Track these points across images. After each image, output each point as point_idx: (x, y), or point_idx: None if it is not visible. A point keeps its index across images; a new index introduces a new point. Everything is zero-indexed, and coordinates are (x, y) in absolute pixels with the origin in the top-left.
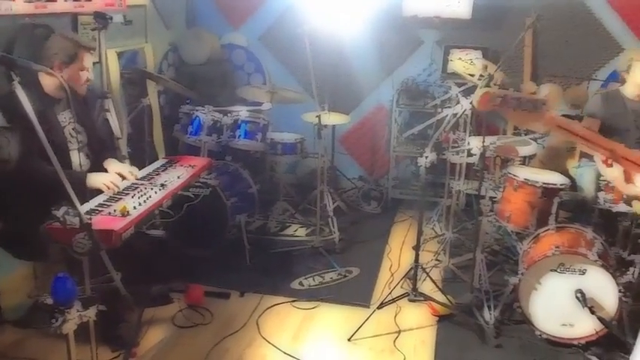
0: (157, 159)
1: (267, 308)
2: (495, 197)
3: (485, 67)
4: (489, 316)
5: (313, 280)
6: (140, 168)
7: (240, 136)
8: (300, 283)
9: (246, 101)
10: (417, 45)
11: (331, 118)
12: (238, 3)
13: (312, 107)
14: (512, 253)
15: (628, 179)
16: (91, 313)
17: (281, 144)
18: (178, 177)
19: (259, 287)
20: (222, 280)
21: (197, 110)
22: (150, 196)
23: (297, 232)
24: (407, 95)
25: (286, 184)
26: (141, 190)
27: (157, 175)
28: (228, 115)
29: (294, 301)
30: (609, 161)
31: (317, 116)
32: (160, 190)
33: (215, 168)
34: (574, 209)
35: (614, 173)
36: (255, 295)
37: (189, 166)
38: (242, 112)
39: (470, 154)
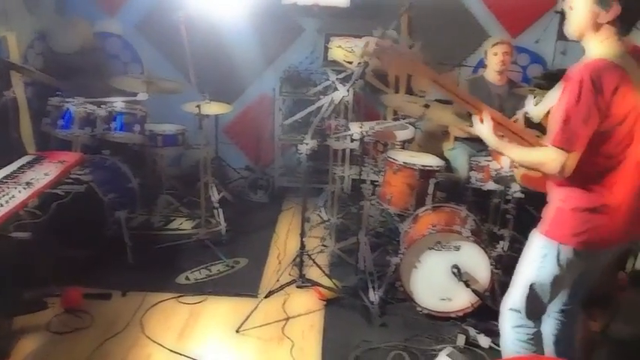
0: (25, 156)
1: (152, 306)
2: (377, 181)
3: (367, 44)
4: (374, 296)
5: (200, 273)
6: (5, 166)
7: (116, 128)
8: (187, 278)
9: (125, 92)
10: (298, 33)
11: (212, 108)
12: None
13: (192, 97)
14: (395, 235)
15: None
16: None
17: (161, 136)
18: (46, 174)
19: (142, 285)
20: (103, 280)
21: (67, 102)
22: (13, 196)
23: (183, 225)
24: (289, 83)
25: (170, 176)
26: (3, 190)
27: (22, 173)
28: (102, 106)
29: (179, 296)
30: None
31: (197, 106)
32: (24, 189)
33: (90, 163)
34: (449, 189)
35: (485, 129)
36: (139, 293)
37: (59, 162)
38: (117, 103)
39: (352, 140)
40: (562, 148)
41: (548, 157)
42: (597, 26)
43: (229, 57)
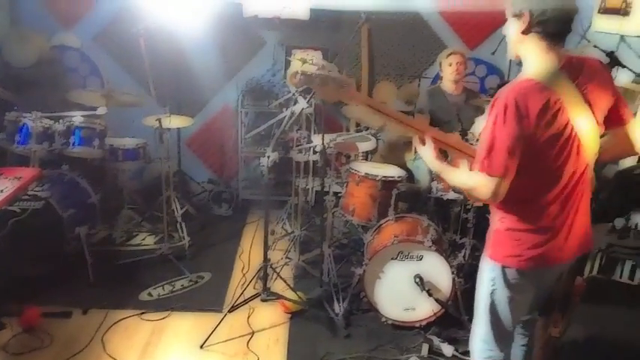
0: None
1: (114, 324)
2: (341, 193)
3: (323, 67)
4: (339, 308)
5: (163, 289)
6: None
7: (74, 143)
8: (149, 294)
9: (83, 106)
10: (260, 45)
11: (173, 121)
12: (69, 1)
13: (153, 110)
14: (360, 245)
15: (437, 156)
16: None
17: (122, 150)
18: (1, 191)
19: (104, 302)
20: (63, 298)
21: (24, 117)
22: None
23: (145, 240)
24: (252, 96)
25: (132, 191)
26: None
27: None
28: (60, 121)
29: (142, 313)
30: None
31: (157, 120)
32: None
33: (48, 179)
34: (412, 199)
35: (426, 151)
36: (100, 311)
37: (16, 178)
38: (76, 117)
39: (315, 152)
40: (490, 175)
41: (478, 182)
42: (521, 40)
43: (191, 70)
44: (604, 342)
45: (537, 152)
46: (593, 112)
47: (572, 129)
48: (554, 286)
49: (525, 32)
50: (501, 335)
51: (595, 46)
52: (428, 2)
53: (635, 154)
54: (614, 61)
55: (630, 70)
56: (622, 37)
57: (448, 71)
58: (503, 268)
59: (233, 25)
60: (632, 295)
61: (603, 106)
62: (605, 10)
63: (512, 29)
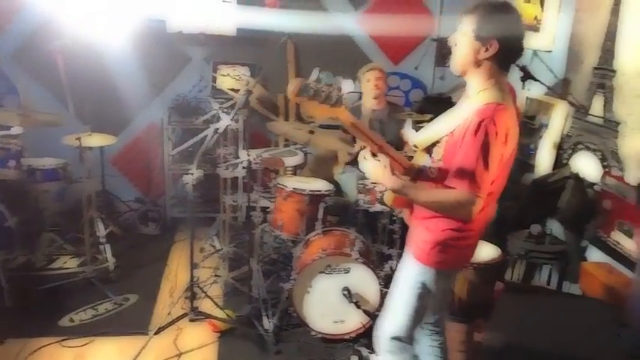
0: None
1: (32, 353)
2: (269, 208)
3: (248, 83)
4: (268, 324)
5: (85, 313)
6: None
7: None
8: (71, 319)
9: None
10: (186, 61)
11: (95, 140)
12: None
13: (74, 129)
14: (290, 260)
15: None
16: None
17: (40, 170)
18: None
19: (22, 330)
20: None
21: None
22: None
23: (67, 263)
24: (178, 112)
25: (53, 213)
26: None
27: None
28: None
29: (63, 340)
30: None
31: (77, 138)
32: None
33: None
34: (340, 213)
35: (373, 164)
36: (18, 340)
37: None
38: None
39: (243, 168)
40: (476, 195)
41: (464, 199)
42: (478, 63)
43: (114, 87)
44: (524, 346)
45: (501, 170)
46: None
47: (515, 147)
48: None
49: (489, 59)
50: (412, 333)
51: None
52: (353, 23)
53: None
54: (527, 74)
55: (542, 83)
56: (534, 52)
57: (367, 87)
58: (427, 268)
59: (157, 41)
60: (550, 299)
61: None
62: None
63: (470, 50)
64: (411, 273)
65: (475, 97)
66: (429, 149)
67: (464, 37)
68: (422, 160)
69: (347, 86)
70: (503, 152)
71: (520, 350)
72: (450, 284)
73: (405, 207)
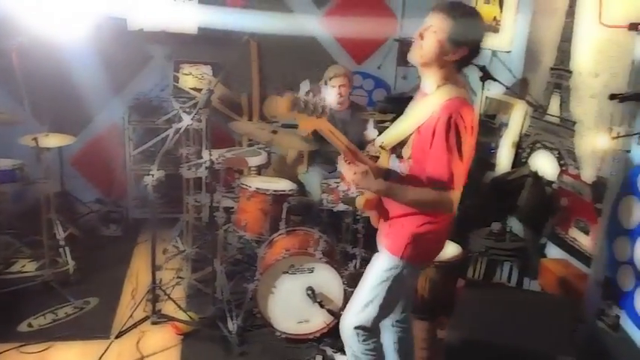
0: None
1: None
2: (233, 208)
3: (210, 82)
4: (232, 325)
5: (44, 318)
6: None
7: None
8: (29, 325)
9: None
10: (147, 60)
11: (52, 140)
12: None
13: (32, 129)
14: (254, 261)
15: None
16: None
17: None
18: None
19: None
20: None
21: None
22: None
23: (25, 267)
24: (139, 112)
25: (10, 215)
26: None
27: None
28: None
29: (22, 345)
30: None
31: (34, 139)
32: None
33: None
34: (303, 212)
35: (353, 171)
36: None
37: None
38: None
39: (206, 168)
40: (453, 189)
41: (441, 197)
42: (443, 63)
43: (73, 86)
44: (484, 342)
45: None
46: None
47: None
48: None
49: (456, 62)
50: (381, 319)
51: None
52: (317, 23)
53: None
54: (486, 74)
55: (501, 83)
56: (494, 52)
57: (332, 92)
58: (402, 261)
59: (117, 39)
60: (509, 296)
61: None
62: None
63: (439, 50)
64: (384, 266)
65: (435, 92)
66: (394, 149)
67: (434, 35)
68: (387, 161)
69: (304, 86)
70: (472, 145)
71: (480, 346)
72: (416, 279)
73: (375, 209)
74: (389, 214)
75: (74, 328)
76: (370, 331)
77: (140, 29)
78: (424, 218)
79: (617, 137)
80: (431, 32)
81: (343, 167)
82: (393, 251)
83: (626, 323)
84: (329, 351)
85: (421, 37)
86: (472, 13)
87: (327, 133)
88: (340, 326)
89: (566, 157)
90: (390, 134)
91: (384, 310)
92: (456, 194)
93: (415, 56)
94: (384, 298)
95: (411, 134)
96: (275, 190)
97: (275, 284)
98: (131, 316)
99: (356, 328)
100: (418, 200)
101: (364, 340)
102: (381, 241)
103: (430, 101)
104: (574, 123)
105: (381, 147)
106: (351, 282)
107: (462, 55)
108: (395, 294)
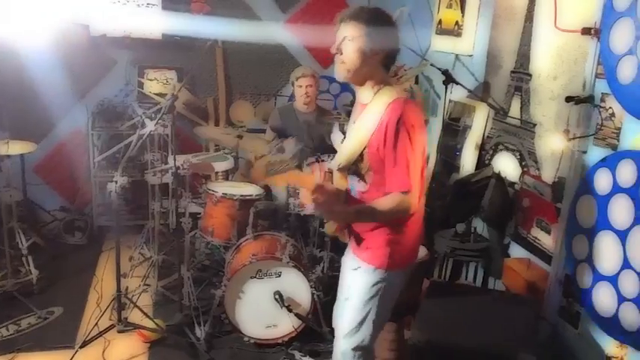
0: None
1: None
2: (200, 214)
3: (174, 87)
4: (200, 332)
5: (7, 329)
6: None
7: None
8: None
9: None
10: (110, 65)
11: (13, 148)
12: None
13: None
14: (222, 266)
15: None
16: None
17: None
18: None
19: None
20: None
21: None
22: None
23: None
24: (104, 117)
25: None
26: None
27: None
28: None
29: None
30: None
31: None
32: None
33: None
34: (271, 217)
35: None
36: None
37: None
38: None
39: (172, 174)
40: (410, 192)
41: (400, 202)
42: (370, 69)
43: (35, 92)
44: (448, 342)
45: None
46: None
47: None
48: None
49: (382, 63)
50: (378, 334)
51: (432, 65)
52: (282, 28)
53: None
54: (448, 78)
55: (463, 86)
56: (457, 56)
57: (298, 93)
58: (385, 271)
59: (80, 45)
60: (474, 296)
61: None
62: (441, 31)
63: (361, 57)
64: (369, 281)
65: (375, 100)
66: (349, 169)
67: (351, 44)
68: (342, 182)
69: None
70: (423, 141)
71: (444, 346)
72: (402, 284)
73: (345, 228)
74: (361, 228)
75: (38, 338)
76: (368, 350)
77: (103, 34)
78: (401, 227)
79: (574, 138)
80: (347, 43)
81: (310, 202)
82: (375, 264)
83: (586, 319)
84: (297, 354)
85: (339, 51)
86: (377, 12)
87: (297, 182)
88: (334, 353)
89: (527, 158)
90: (343, 154)
91: (378, 325)
92: (414, 195)
93: (342, 73)
94: (377, 313)
95: (364, 149)
96: (242, 195)
97: (243, 289)
98: (96, 324)
99: (353, 349)
100: (384, 215)
101: (364, 358)
102: (358, 255)
103: (373, 109)
104: (534, 125)
105: (339, 170)
106: (319, 286)
107: (384, 55)
108: (387, 306)
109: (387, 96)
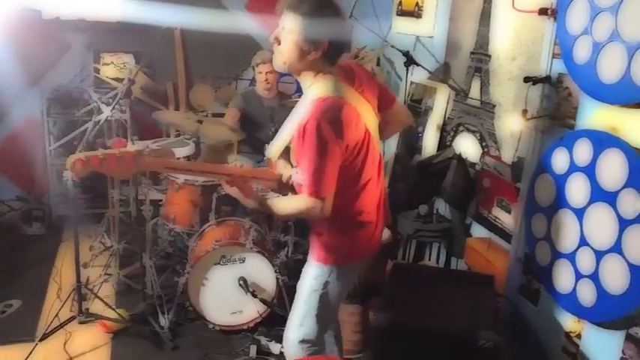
0: None
1: None
2: (162, 201)
3: (130, 72)
4: (164, 320)
5: None
6: None
7: None
8: None
9: None
10: (65, 49)
11: None
12: None
13: None
14: (186, 254)
15: (248, 195)
16: None
17: None
18: None
19: None
20: None
21: None
22: None
23: None
24: (59, 104)
25: None
26: None
27: None
28: None
29: None
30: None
31: None
32: None
33: None
34: (233, 202)
35: (234, 194)
36: None
37: None
38: None
39: None
40: (319, 198)
41: (308, 206)
42: (308, 63)
43: None
44: (411, 323)
45: (349, 162)
46: (372, 107)
47: (367, 130)
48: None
49: (319, 57)
50: (324, 328)
51: (392, 46)
52: (242, 11)
53: (409, 123)
54: (409, 60)
55: (424, 68)
56: (417, 38)
57: (259, 79)
58: (333, 267)
59: (32, 28)
60: (436, 276)
61: (375, 98)
62: (402, 13)
63: (298, 51)
64: (313, 274)
65: (306, 93)
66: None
67: (289, 36)
68: (286, 170)
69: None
70: (349, 143)
71: (406, 326)
72: (355, 278)
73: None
74: (315, 223)
75: None
76: (316, 343)
77: (56, 17)
78: (329, 222)
79: (532, 118)
80: (287, 34)
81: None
82: (318, 259)
83: (545, 297)
84: (263, 340)
85: (277, 41)
86: (322, 4)
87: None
88: (284, 342)
89: (487, 139)
90: (274, 146)
91: (322, 319)
92: (327, 200)
93: (279, 63)
94: (319, 307)
95: (289, 142)
96: (204, 181)
97: (206, 276)
98: (57, 316)
99: (300, 342)
100: (287, 213)
101: (311, 353)
102: (310, 249)
103: (301, 104)
104: (494, 106)
105: (269, 159)
106: (284, 270)
107: (324, 50)
108: (330, 301)
109: (316, 91)
